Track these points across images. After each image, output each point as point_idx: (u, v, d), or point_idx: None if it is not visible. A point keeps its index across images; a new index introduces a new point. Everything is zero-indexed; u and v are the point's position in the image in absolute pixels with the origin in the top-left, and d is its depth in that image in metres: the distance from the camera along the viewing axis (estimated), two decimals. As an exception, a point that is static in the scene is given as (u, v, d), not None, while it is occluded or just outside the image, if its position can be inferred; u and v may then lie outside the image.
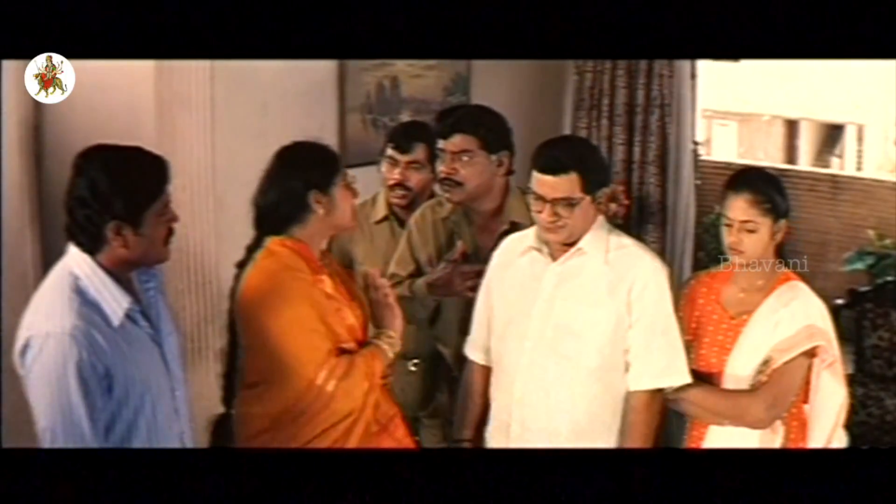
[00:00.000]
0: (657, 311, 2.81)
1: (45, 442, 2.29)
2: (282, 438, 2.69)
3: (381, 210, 3.54)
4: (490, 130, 3.25)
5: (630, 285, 2.80)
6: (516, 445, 2.85)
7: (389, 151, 3.48)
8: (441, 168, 3.25)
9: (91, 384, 2.27)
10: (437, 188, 3.44)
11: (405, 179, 3.47)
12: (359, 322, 2.81)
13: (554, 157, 2.80)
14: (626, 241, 2.89)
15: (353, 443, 2.71)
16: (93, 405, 2.28)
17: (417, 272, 3.33)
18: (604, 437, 2.84)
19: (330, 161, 2.82)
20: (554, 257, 2.86)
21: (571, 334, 2.81)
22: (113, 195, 2.32)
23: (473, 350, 3.04)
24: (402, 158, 3.46)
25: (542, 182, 2.78)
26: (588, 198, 2.78)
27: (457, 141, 3.21)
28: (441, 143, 3.25)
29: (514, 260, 2.94)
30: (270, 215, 2.77)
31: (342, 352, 2.72)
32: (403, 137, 3.51)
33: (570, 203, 2.76)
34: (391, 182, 3.47)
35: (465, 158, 3.21)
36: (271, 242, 2.75)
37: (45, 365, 2.27)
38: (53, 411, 2.27)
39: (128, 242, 2.34)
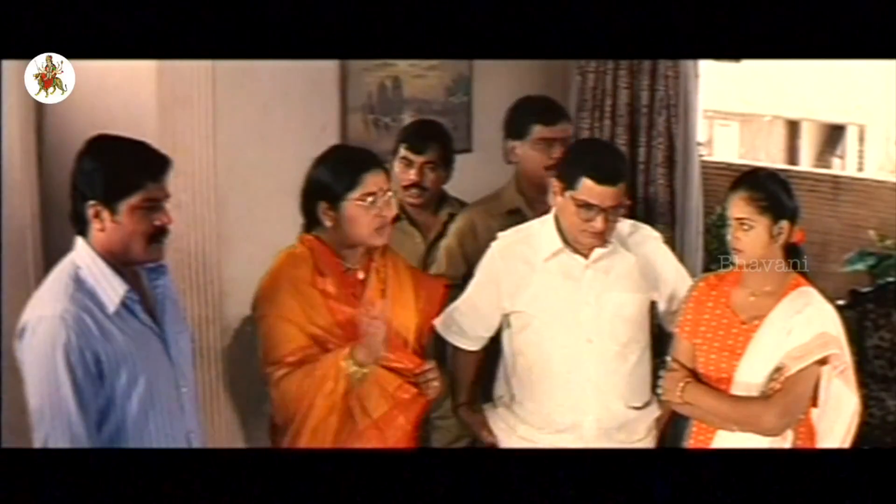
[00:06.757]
0: (678, 276, 3.09)
1: (34, 423, 2.33)
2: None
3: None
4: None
5: (652, 262, 3.05)
6: (593, 444, 2.99)
7: (403, 152, 3.48)
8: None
9: (78, 368, 2.31)
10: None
11: (422, 180, 3.46)
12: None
13: (615, 168, 2.94)
14: (627, 225, 3.07)
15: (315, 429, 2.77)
16: (80, 388, 2.31)
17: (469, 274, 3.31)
18: (650, 414, 3.10)
19: (346, 175, 2.76)
20: (585, 256, 2.99)
21: (627, 321, 3.01)
22: (93, 176, 2.37)
23: (466, 341, 3.15)
24: (418, 159, 3.46)
25: (601, 192, 2.88)
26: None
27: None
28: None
29: (537, 264, 3.01)
30: (301, 209, 2.84)
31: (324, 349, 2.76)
32: (417, 138, 3.50)
33: (619, 210, 2.94)
34: (406, 183, 3.46)
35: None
36: (298, 238, 2.84)
37: (35, 347, 2.32)
38: (42, 392, 2.32)
39: (105, 227, 2.38)
